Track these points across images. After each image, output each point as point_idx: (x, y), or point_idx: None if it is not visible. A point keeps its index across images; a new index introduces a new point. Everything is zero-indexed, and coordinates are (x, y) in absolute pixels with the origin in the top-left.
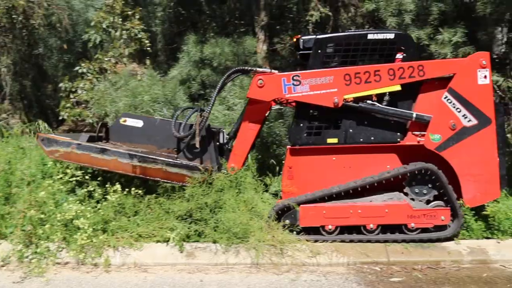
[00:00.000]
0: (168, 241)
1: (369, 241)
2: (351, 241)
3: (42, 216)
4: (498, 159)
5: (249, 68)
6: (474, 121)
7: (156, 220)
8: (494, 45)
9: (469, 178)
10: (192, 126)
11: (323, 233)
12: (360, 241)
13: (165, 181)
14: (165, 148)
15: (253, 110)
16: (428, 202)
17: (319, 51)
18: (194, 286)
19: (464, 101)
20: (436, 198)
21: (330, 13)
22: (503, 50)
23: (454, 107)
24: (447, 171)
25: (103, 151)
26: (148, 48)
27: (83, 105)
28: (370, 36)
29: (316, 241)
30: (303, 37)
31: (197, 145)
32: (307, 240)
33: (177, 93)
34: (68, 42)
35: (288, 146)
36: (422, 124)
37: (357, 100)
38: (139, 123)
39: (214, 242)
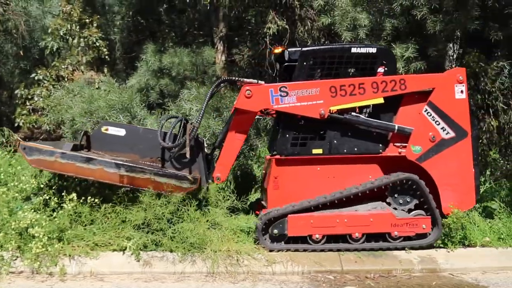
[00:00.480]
0: (124, 250)
1: (356, 249)
2: (338, 250)
3: None
4: (473, 170)
5: (236, 78)
6: (452, 134)
7: (112, 229)
8: (446, 61)
9: (447, 188)
10: (177, 136)
11: (310, 242)
12: (347, 250)
13: (154, 190)
14: (148, 157)
15: (240, 121)
16: (409, 211)
17: (304, 63)
18: None
19: (442, 114)
20: (416, 207)
21: (287, 26)
22: (454, 66)
23: (433, 120)
24: (426, 182)
25: (88, 160)
26: (106, 57)
27: (39, 112)
28: (353, 50)
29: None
30: (289, 49)
31: (188, 155)
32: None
33: (134, 100)
34: (25, 49)
35: (268, 156)
36: (403, 136)
37: (341, 111)
38: (121, 132)
39: (171, 251)
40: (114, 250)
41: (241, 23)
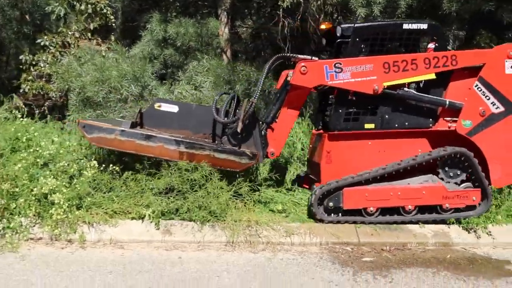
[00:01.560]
0: (143, 217)
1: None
2: (395, 222)
3: (17, 189)
4: None
5: (291, 54)
6: (502, 108)
7: (131, 198)
8: (450, 42)
9: (496, 161)
10: (229, 112)
11: (365, 215)
12: (402, 222)
13: (212, 167)
14: (201, 133)
15: (294, 97)
16: (458, 184)
17: (357, 39)
18: (173, 263)
19: (493, 89)
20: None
21: (301, 0)
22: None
23: (483, 95)
24: (474, 155)
25: (148, 137)
26: (113, 24)
27: (44, 79)
28: (405, 26)
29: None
30: (342, 25)
31: (239, 130)
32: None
33: (146, 71)
34: (29, 13)
35: (315, 131)
36: (453, 111)
37: (394, 87)
38: (174, 108)
39: (191, 220)
40: (133, 218)
41: None
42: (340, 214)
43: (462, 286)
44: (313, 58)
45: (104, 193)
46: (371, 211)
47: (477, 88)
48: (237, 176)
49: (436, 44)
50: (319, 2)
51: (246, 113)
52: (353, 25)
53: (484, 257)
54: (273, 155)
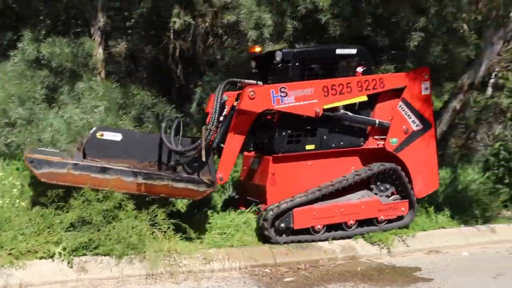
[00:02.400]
0: (53, 256)
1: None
2: (334, 238)
3: None
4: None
5: (237, 80)
6: (420, 126)
7: (39, 234)
8: None
9: (417, 174)
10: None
11: (313, 233)
12: (348, 237)
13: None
14: (146, 161)
15: (240, 122)
16: (387, 197)
17: (297, 63)
18: None
19: (412, 109)
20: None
21: (192, 21)
22: None
23: (406, 114)
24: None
25: (104, 170)
26: None
27: None
28: (337, 51)
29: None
30: (283, 50)
31: (203, 159)
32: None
33: (37, 92)
34: None
35: (251, 154)
36: (380, 129)
37: (331, 110)
38: (117, 137)
39: (106, 254)
40: (42, 257)
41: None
42: (290, 234)
43: None
44: (258, 82)
45: (7, 231)
46: (319, 228)
47: (401, 108)
48: (154, 202)
49: (365, 68)
50: (206, 24)
51: (206, 141)
52: (293, 50)
53: (389, 266)
54: (222, 180)
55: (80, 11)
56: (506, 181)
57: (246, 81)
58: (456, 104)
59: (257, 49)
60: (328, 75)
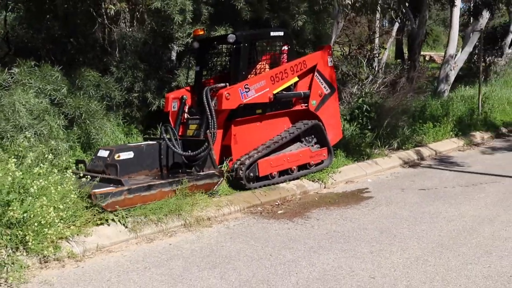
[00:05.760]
0: (107, 221)
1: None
2: (285, 181)
3: None
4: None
5: (215, 85)
6: (329, 90)
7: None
8: None
9: (329, 127)
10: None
11: (270, 178)
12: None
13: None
14: (154, 169)
15: (220, 118)
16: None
17: (246, 44)
18: None
19: (323, 77)
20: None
21: (126, 7)
22: None
23: (320, 82)
24: None
25: (149, 187)
26: None
27: None
28: (271, 33)
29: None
30: (235, 33)
31: (213, 157)
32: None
33: None
34: None
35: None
36: (305, 97)
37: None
38: (130, 154)
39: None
40: (99, 224)
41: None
42: (255, 181)
43: (356, 210)
44: (226, 84)
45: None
46: (274, 174)
47: (316, 77)
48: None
49: (289, 46)
50: (140, 10)
51: (212, 143)
52: (242, 33)
53: (334, 194)
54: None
55: None
56: (369, 127)
57: (218, 85)
58: None
59: (201, 32)
60: (266, 52)
